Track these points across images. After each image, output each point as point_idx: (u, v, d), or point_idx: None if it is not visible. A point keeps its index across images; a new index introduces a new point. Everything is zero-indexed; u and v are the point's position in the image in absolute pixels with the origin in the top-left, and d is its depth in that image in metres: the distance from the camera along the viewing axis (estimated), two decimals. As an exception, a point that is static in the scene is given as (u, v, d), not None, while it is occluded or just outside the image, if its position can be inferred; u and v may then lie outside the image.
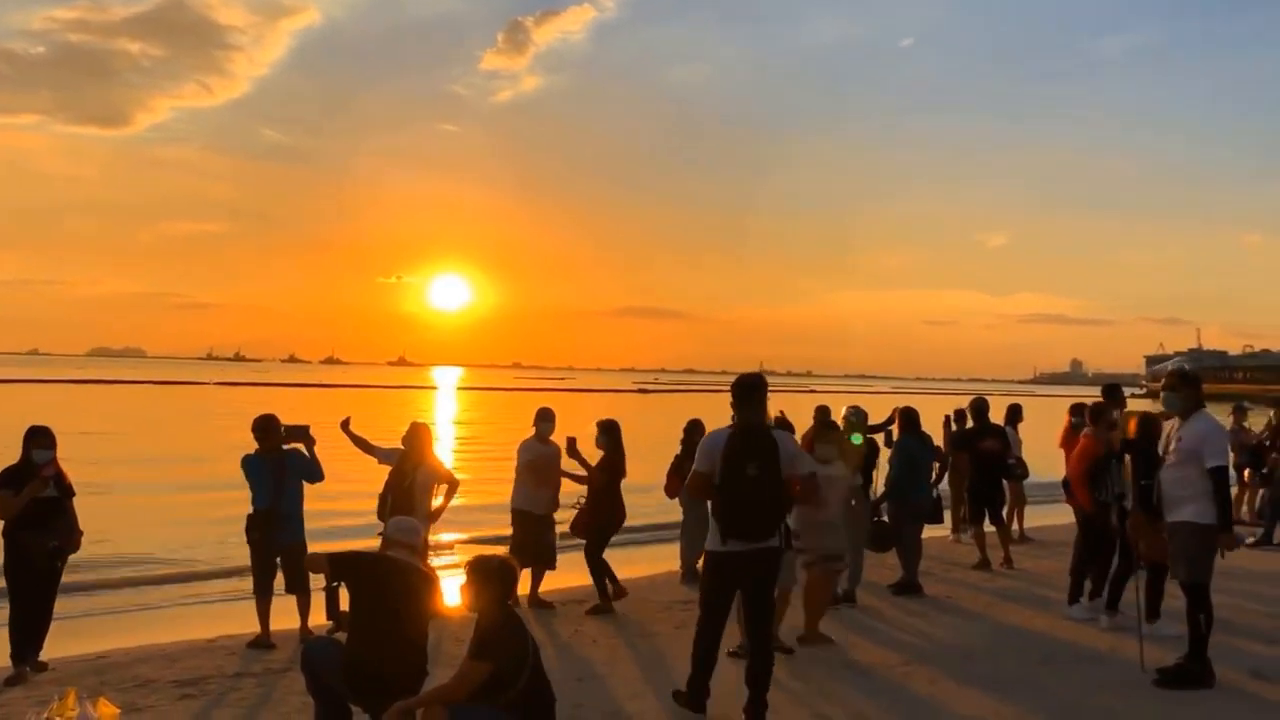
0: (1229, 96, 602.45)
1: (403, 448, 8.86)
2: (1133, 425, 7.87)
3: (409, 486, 8.70)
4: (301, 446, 8.19)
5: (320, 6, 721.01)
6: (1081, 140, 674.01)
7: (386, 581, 5.44)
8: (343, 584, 5.54)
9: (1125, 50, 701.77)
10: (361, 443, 8.97)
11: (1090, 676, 6.81)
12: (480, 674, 4.68)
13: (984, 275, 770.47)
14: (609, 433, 9.22)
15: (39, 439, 7.25)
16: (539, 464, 9.27)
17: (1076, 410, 10.58)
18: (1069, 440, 10.42)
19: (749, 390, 5.86)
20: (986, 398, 11.80)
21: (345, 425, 8.98)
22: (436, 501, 9.06)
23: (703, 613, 5.99)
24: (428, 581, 5.75)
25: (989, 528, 11.37)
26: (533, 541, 9.12)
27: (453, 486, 9.13)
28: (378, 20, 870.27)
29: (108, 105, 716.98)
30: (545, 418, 9.42)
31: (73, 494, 7.42)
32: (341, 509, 12.96)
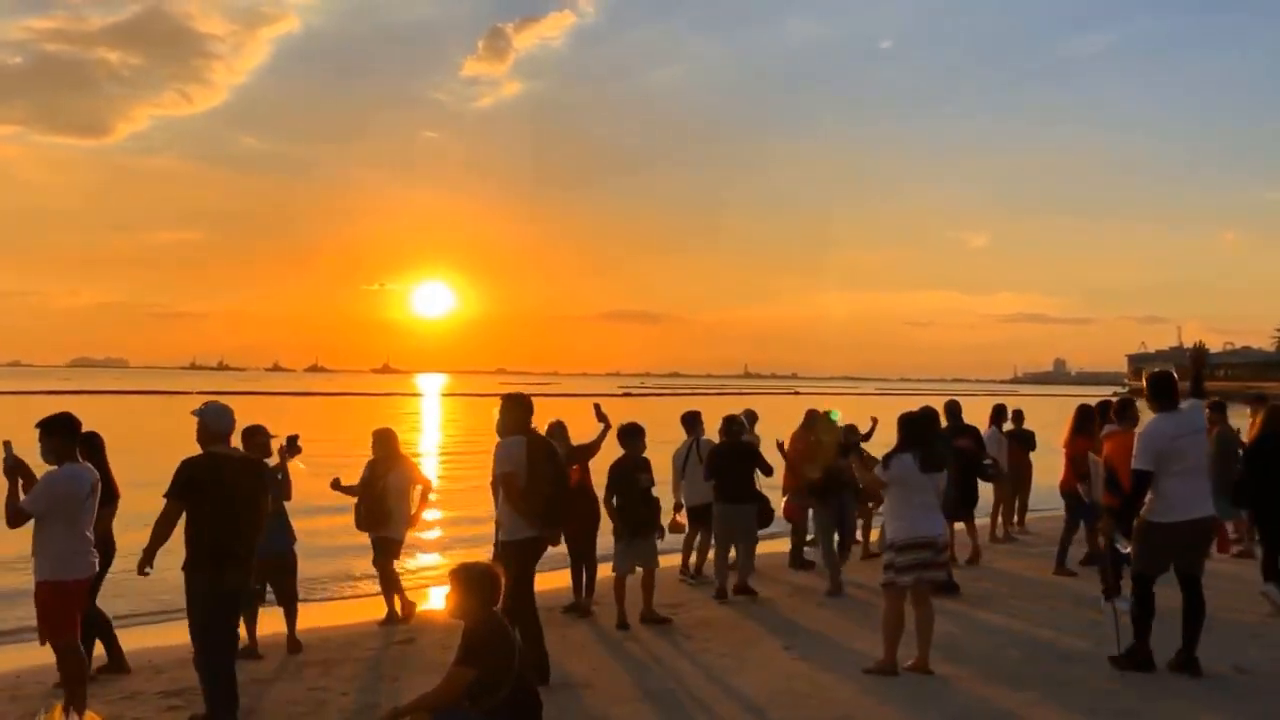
0: (1205, 95, 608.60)
1: (373, 456, 8.91)
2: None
3: (381, 491, 8.71)
4: (293, 460, 8.18)
5: (299, 14, 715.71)
6: (1060, 140, 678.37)
7: (229, 479, 5.83)
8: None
9: (1102, 49, 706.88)
10: (350, 490, 9.02)
11: (1070, 673, 6.87)
12: (465, 680, 4.71)
13: (965, 275, 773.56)
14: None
15: None
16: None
17: (1085, 412, 10.62)
18: (1072, 441, 10.46)
19: (530, 407, 7.02)
20: (959, 399, 11.87)
21: (336, 484, 8.99)
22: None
23: (524, 594, 6.68)
24: (262, 467, 6.41)
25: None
26: None
27: (425, 489, 9.18)
28: (357, 28, 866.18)
29: (87, 115, 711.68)
30: None
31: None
32: (340, 525, 12.88)
